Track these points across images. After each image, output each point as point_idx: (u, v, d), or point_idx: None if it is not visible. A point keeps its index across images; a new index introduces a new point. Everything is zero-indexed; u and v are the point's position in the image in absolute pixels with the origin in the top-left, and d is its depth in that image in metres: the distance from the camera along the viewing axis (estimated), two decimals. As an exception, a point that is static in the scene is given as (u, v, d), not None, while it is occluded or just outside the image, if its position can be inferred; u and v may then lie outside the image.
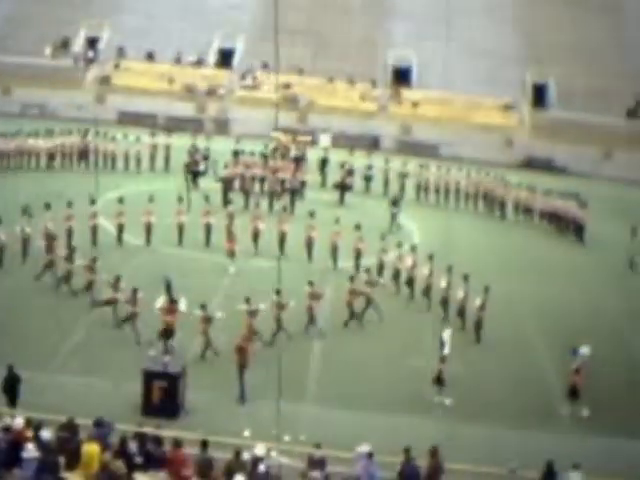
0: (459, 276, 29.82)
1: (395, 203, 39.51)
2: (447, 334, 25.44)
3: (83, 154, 45.01)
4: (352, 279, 29.22)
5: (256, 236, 34.54)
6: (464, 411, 24.86)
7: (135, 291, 27.28)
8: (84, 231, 33.41)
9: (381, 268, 32.49)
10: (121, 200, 34.40)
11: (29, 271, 30.75)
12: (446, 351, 25.34)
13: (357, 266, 32.83)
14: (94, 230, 33.84)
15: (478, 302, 28.73)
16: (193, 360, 25.89)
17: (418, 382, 26.02)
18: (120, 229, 34.29)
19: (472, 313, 29.11)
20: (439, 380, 25.40)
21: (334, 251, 33.81)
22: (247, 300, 26.84)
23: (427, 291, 30.99)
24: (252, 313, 26.70)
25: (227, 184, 40.03)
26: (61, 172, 44.01)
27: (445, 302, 30.23)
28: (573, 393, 25.26)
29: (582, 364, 25.20)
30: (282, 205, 37.86)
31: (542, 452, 21.25)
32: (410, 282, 31.51)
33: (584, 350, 25.38)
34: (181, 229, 34.72)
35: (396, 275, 31.97)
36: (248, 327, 26.44)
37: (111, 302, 27.99)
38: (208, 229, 34.83)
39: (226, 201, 38.34)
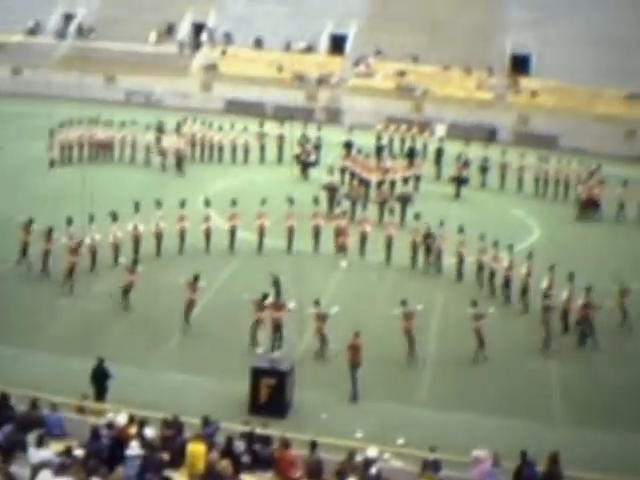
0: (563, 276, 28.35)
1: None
2: None
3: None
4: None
5: (363, 239, 33.65)
6: (582, 416, 23.84)
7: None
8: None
9: (480, 269, 31.19)
10: (234, 202, 33.43)
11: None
12: None
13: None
14: (207, 234, 32.95)
15: (580, 302, 27.43)
16: (302, 357, 25.19)
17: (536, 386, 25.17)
18: (233, 231, 33.36)
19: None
20: None
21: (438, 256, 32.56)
22: (403, 303, 26.06)
23: (524, 292, 29.56)
24: (408, 315, 25.92)
25: (332, 191, 37.93)
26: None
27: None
28: None
29: None
30: (389, 208, 35.35)
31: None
32: (507, 284, 30.02)
33: None
34: (291, 232, 33.67)
35: (491, 276, 30.62)
36: (406, 331, 26.00)
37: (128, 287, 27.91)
38: (317, 231, 33.90)
39: (332, 207, 36.85)
